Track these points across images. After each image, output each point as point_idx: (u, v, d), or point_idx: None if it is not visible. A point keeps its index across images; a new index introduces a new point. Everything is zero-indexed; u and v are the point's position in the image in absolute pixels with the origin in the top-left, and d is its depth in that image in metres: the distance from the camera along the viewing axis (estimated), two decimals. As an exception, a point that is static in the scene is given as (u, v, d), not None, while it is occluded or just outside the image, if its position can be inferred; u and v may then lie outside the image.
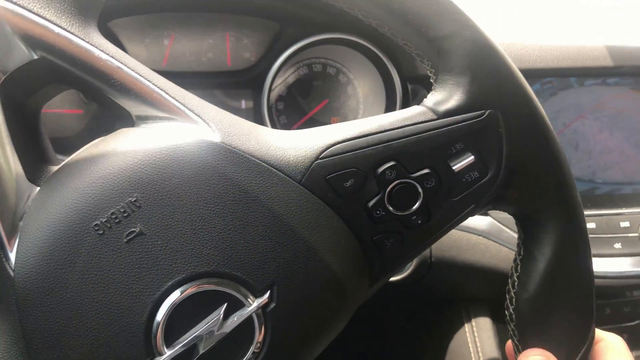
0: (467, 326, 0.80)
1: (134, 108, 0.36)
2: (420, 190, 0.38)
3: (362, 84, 0.84)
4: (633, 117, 0.80)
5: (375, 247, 0.38)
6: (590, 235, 0.74)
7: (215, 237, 0.34)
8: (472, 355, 0.78)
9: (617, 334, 0.82)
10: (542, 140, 0.39)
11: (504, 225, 0.73)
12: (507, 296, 0.42)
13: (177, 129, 0.36)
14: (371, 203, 0.37)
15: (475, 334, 0.78)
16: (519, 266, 0.42)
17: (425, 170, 0.38)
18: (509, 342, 0.46)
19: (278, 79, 0.81)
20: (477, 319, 0.79)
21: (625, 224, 0.75)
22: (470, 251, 0.72)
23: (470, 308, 0.79)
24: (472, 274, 0.73)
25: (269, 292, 0.35)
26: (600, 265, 0.74)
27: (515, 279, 0.41)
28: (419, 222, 0.38)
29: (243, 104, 0.81)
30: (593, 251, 0.74)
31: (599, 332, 0.43)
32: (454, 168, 0.38)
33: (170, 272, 0.33)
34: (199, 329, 0.34)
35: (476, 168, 0.38)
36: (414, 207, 0.38)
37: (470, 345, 0.78)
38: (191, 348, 0.34)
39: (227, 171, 0.35)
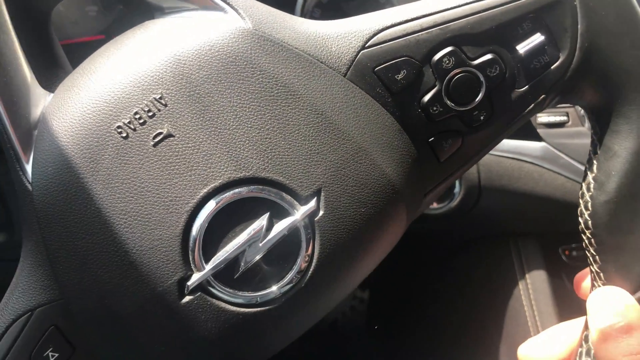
0: (516, 262, 0.75)
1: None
2: (482, 79, 0.33)
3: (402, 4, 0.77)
4: None
5: (432, 149, 0.34)
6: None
7: (252, 137, 0.30)
8: (522, 292, 0.73)
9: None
10: (624, 13, 0.33)
11: (559, 150, 0.67)
12: (581, 201, 0.37)
13: (204, 18, 0.32)
14: (427, 98, 0.33)
15: (525, 270, 0.74)
16: (594, 165, 0.36)
17: (488, 56, 0.33)
18: (579, 274, 0.41)
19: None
20: (527, 254, 0.75)
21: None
22: (522, 180, 0.66)
23: (520, 243, 0.75)
24: (523, 204, 0.68)
25: (315, 199, 0.31)
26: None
27: (591, 180, 0.36)
28: (481, 118, 0.34)
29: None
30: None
31: None
32: (520, 52, 0.33)
33: (205, 179, 0.30)
34: (240, 241, 0.30)
35: (547, 50, 0.33)
36: (476, 100, 0.33)
37: (519, 282, 0.73)
38: (232, 263, 0.30)
39: (261, 62, 0.30)
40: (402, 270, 1.00)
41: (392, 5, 0.78)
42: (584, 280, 0.40)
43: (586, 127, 0.70)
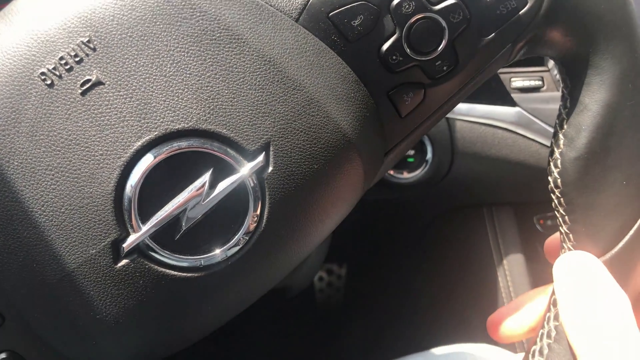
0: (490, 232, 0.74)
1: None
2: (445, 26, 0.31)
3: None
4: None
5: (392, 103, 0.31)
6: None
7: (192, 85, 0.27)
8: (496, 262, 0.72)
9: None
10: None
11: (534, 116, 0.65)
12: (550, 159, 0.35)
13: None
14: (385, 46, 0.30)
15: (500, 240, 0.72)
16: (564, 121, 0.34)
17: (451, 1, 0.30)
18: (550, 239, 0.39)
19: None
20: (501, 223, 0.73)
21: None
22: (496, 146, 0.65)
23: (495, 212, 0.73)
24: (497, 172, 0.66)
25: (263, 153, 0.28)
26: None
27: (561, 136, 0.34)
28: (444, 68, 0.31)
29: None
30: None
31: None
32: None
33: (139, 130, 0.27)
34: (181, 199, 0.27)
35: None
36: (439, 48, 0.31)
37: (493, 252, 0.72)
38: (173, 223, 0.28)
39: (201, 3, 0.27)
40: (378, 240, 0.99)
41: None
42: (554, 244, 0.38)
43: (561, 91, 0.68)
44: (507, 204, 0.74)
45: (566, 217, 0.34)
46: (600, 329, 0.29)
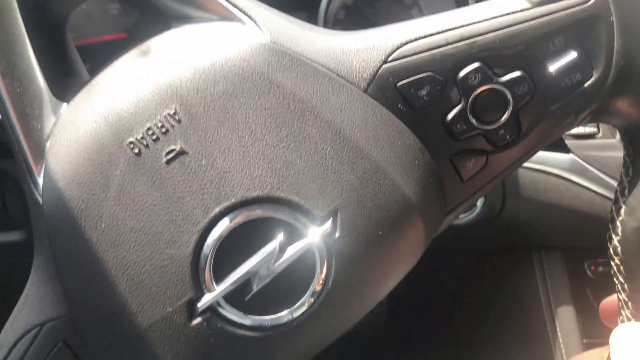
0: (538, 275, 0.73)
1: (171, 7, 0.31)
2: (510, 97, 0.31)
3: (428, 6, 0.76)
4: None
5: (454, 168, 0.32)
6: None
7: (267, 155, 0.29)
8: (544, 307, 0.71)
9: None
10: None
11: (588, 163, 0.65)
12: (611, 226, 0.35)
13: (221, 29, 0.31)
14: (451, 115, 0.31)
15: (549, 284, 0.72)
16: (626, 189, 0.34)
17: (517, 73, 0.31)
18: (607, 300, 0.39)
19: (335, 1, 0.74)
20: (550, 267, 0.72)
21: None
22: (548, 192, 0.64)
23: (543, 255, 0.72)
24: (548, 217, 0.66)
25: (331, 219, 0.30)
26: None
27: (622, 204, 0.34)
28: (507, 137, 0.32)
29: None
30: None
31: None
32: (551, 69, 0.31)
33: (217, 197, 0.29)
34: (253, 262, 0.29)
35: (579, 68, 0.31)
36: (502, 118, 0.32)
37: (541, 296, 0.71)
38: (244, 284, 0.29)
39: (278, 77, 0.29)
40: (425, 276, 0.98)
41: (419, 7, 0.76)
42: (610, 307, 0.38)
43: (617, 139, 0.67)
44: (558, 249, 0.73)
45: (625, 285, 0.34)
46: None
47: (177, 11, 0.31)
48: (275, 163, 0.29)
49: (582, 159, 0.65)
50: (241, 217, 0.29)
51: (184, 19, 0.31)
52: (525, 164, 0.63)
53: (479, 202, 0.65)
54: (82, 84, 0.32)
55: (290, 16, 0.33)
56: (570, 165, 0.64)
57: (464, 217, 0.66)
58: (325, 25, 0.71)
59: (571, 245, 0.73)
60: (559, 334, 0.69)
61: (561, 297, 0.71)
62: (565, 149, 0.65)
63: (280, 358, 0.31)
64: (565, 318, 0.70)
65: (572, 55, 0.31)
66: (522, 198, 0.65)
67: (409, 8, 0.76)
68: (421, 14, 0.76)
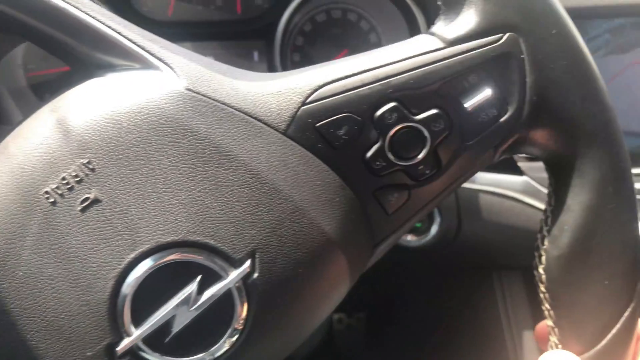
0: (499, 296, 0.73)
1: (92, 56, 0.31)
2: (427, 134, 0.32)
3: (385, 32, 0.77)
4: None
5: (378, 203, 0.33)
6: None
7: (182, 200, 0.30)
8: (504, 327, 0.72)
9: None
10: (575, 65, 0.32)
11: (541, 184, 0.65)
12: (536, 254, 0.36)
13: (139, 77, 0.31)
14: (370, 153, 0.32)
15: (509, 304, 0.72)
16: (549, 218, 0.35)
17: (433, 111, 0.32)
18: (540, 325, 0.40)
19: (292, 27, 0.74)
20: (510, 288, 0.73)
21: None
22: (503, 214, 0.65)
23: (503, 277, 0.73)
24: (505, 238, 0.66)
25: (249, 261, 0.30)
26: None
27: (545, 233, 0.35)
28: (427, 172, 0.33)
29: (255, 55, 0.75)
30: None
31: None
32: (466, 106, 0.32)
33: (132, 243, 0.29)
34: (170, 305, 0.30)
35: (494, 104, 0.32)
36: (421, 155, 0.32)
37: (502, 317, 0.72)
38: (164, 327, 0.30)
39: (192, 123, 0.30)
40: (392, 294, 0.99)
41: (377, 32, 0.77)
42: (544, 331, 0.39)
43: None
44: (518, 269, 0.74)
45: (552, 312, 0.35)
46: None
47: (98, 60, 0.31)
48: (190, 208, 0.29)
49: (535, 180, 0.66)
50: (157, 262, 0.29)
51: (106, 68, 0.32)
52: (480, 187, 0.64)
53: (434, 226, 0.66)
54: (7, 133, 0.32)
55: (216, 61, 0.34)
56: (523, 188, 0.65)
57: (420, 240, 0.66)
58: (283, 51, 0.72)
59: (530, 266, 0.73)
60: (518, 352, 0.70)
61: (521, 317, 0.71)
62: (518, 172, 0.66)
63: None
64: (525, 337, 0.71)
65: (486, 92, 0.32)
66: (478, 220, 0.66)
67: (367, 33, 0.77)
68: (378, 38, 0.77)
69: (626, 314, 0.34)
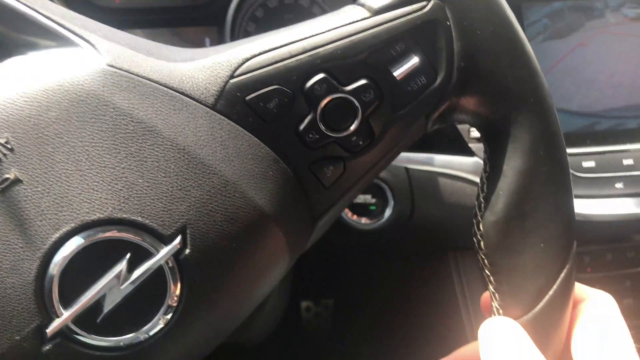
0: (455, 276, 0.74)
1: (10, 36, 0.31)
2: (357, 105, 0.32)
3: (338, 17, 0.76)
4: (640, 43, 0.72)
5: (314, 176, 0.33)
6: (589, 175, 0.69)
7: (106, 178, 0.29)
8: (461, 306, 0.73)
9: (619, 280, 0.77)
10: (501, 31, 0.33)
11: (492, 165, 0.66)
12: (474, 221, 0.36)
13: (55, 55, 0.30)
14: (302, 126, 0.32)
15: (464, 284, 0.73)
16: (485, 185, 0.35)
17: (362, 81, 0.32)
18: (485, 294, 0.41)
19: (243, 13, 0.74)
20: (466, 268, 0.74)
21: (628, 162, 0.68)
22: (455, 195, 0.66)
23: (459, 258, 0.74)
24: (458, 218, 0.67)
25: (180, 237, 0.30)
26: (601, 207, 0.67)
27: (482, 200, 0.35)
28: (360, 143, 0.33)
29: (207, 42, 0.74)
30: (592, 192, 0.69)
31: (584, 289, 0.37)
32: (395, 75, 0.32)
33: (57, 223, 0.29)
34: (100, 285, 0.29)
35: (423, 72, 0.33)
36: (352, 126, 0.32)
37: (459, 296, 0.73)
38: (94, 307, 0.29)
39: (114, 99, 0.29)
40: (354, 278, 1.00)
41: (330, 18, 0.77)
42: (488, 300, 0.40)
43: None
44: (472, 249, 0.75)
45: (491, 278, 0.36)
46: None
47: (17, 39, 0.31)
48: (115, 185, 0.29)
49: (485, 161, 0.67)
50: (83, 241, 0.29)
51: (26, 47, 0.31)
52: (431, 169, 0.65)
53: (388, 209, 0.67)
54: None
55: (142, 39, 0.33)
56: (474, 168, 0.66)
57: (375, 223, 0.67)
58: (234, 37, 0.72)
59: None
60: (475, 330, 0.71)
61: (476, 296, 0.72)
62: (469, 153, 0.67)
63: None
64: (481, 315, 0.71)
65: (414, 60, 0.32)
66: (431, 202, 0.66)
67: (319, 18, 0.77)
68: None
69: (562, 275, 0.34)
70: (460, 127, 0.67)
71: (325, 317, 1.23)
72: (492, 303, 0.36)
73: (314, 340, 1.22)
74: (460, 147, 0.67)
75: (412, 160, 0.66)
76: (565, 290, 0.35)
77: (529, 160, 0.33)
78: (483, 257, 0.36)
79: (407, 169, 0.66)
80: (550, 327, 0.35)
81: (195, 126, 0.30)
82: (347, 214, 0.67)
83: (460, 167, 0.66)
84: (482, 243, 0.36)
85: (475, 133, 0.67)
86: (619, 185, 0.68)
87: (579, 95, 0.72)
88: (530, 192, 0.34)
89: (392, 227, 0.67)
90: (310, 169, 0.33)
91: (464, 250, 0.75)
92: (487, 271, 0.36)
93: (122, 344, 0.30)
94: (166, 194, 0.30)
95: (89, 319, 0.29)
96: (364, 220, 0.67)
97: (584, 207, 0.67)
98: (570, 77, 0.72)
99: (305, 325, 1.22)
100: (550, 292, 0.34)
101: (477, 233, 0.36)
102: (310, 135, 0.32)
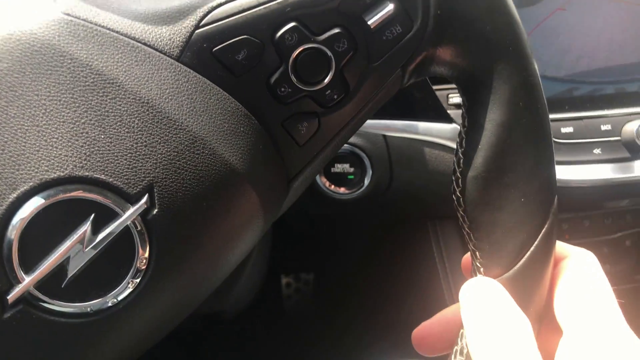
0: (434, 244, 0.74)
1: None
2: (330, 55, 0.31)
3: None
4: (622, 8, 0.72)
5: (288, 134, 0.32)
6: (567, 141, 0.69)
7: (66, 134, 0.27)
8: (441, 276, 0.73)
9: (596, 247, 0.77)
10: None
11: (471, 132, 0.66)
12: (453, 178, 0.35)
13: (5, 3, 0.28)
14: (273, 79, 0.31)
15: (444, 253, 0.73)
16: (463, 140, 0.34)
17: (335, 30, 0.31)
18: (466, 255, 0.40)
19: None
20: (445, 237, 0.74)
21: (606, 127, 0.68)
22: (434, 162, 0.65)
23: (438, 226, 0.74)
24: (437, 186, 0.67)
25: (146, 196, 0.28)
26: (578, 173, 0.67)
27: (461, 155, 0.34)
28: (335, 97, 0.32)
29: None
30: (570, 158, 0.68)
31: (566, 247, 0.36)
32: (369, 23, 0.31)
33: (13, 182, 0.27)
34: (63, 248, 0.27)
35: (398, 21, 0.31)
36: (326, 79, 0.31)
37: (438, 266, 0.73)
38: (59, 271, 0.28)
39: (71, 49, 0.27)
40: (335, 251, 0.99)
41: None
42: (469, 262, 0.39)
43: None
44: (451, 218, 0.74)
45: (471, 235, 0.35)
46: (502, 353, 0.30)
47: None
48: (75, 141, 0.27)
49: (464, 127, 0.66)
50: (43, 201, 0.27)
51: None
52: (410, 136, 0.64)
53: (367, 177, 0.66)
54: None
55: None
56: (453, 135, 0.65)
57: (354, 193, 0.66)
58: None
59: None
60: (455, 298, 0.71)
61: (456, 265, 0.72)
62: (448, 119, 0.66)
63: (110, 343, 0.30)
64: (460, 283, 0.72)
65: (388, 7, 0.31)
66: (410, 169, 0.66)
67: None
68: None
69: (543, 231, 0.33)
70: (438, 93, 0.66)
71: (306, 292, 1.23)
72: (473, 262, 0.36)
73: (295, 316, 1.22)
74: (439, 114, 0.66)
75: (390, 127, 0.65)
76: (547, 246, 0.34)
77: (508, 112, 0.32)
78: (463, 214, 0.35)
79: (385, 137, 0.65)
80: (532, 284, 0.34)
81: (159, 79, 0.29)
82: (325, 184, 0.66)
83: (439, 134, 0.65)
84: (461, 200, 0.35)
85: (454, 99, 0.66)
86: (597, 151, 0.68)
87: (557, 60, 0.71)
88: (509, 146, 0.32)
89: (371, 197, 0.66)
90: (283, 126, 0.32)
91: (443, 219, 0.75)
92: (467, 228, 0.35)
93: (89, 309, 0.28)
94: (130, 151, 0.28)
95: (53, 285, 0.28)
96: (342, 190, 0.66)
97: (562, 173, 0.67)
98: (549, 42, 0.71)
99: (285, 301, 1.22)
100: (532, 248, 0.33)
101: (457, 190, 0.35)
102: (282, 89, 0.31)
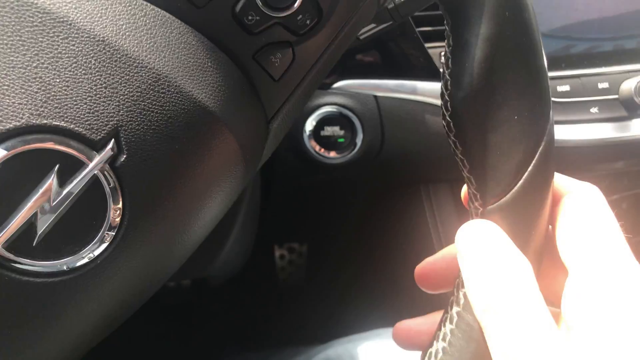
0: (427, 209, 0.73)
1: None
2: None
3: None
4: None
5: (261, 67, 0.30)
6: (563, 100, 0.67)
7: (17, 80, 0.25)
8: (434, 239, 0.71)
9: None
10: None
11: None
12: (441, 102, 0.33)
13: None
14: (239, 6, 0.28)
15: (437, 217, 0.72)
16: (449, 60, 0.31)
17: None
18: (464, 190, 0.38)
19: None
20: (438, 201, 0.72)
21: (603, 85, 0.66)
22: (426, 123, 0.63)
23: (431, 189, 0.72)
24: (430, 148, 0.65)
25: (112, 141, 0.26)
26: (574, 133, 0.65)
27: (448, 77, 0.31)
28: (308, 22, 0.29)
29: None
30: (566, 117, 0.67)
31: (567, 180, 0.34)
32: None
33: None
34: (28, 202, 0.25)
35: None
36: (296, 3, 0.29)
37: (431, 228, 0.71)
38: (28, 230, 0.26)
39: None
40: (328, 218, 0.98)
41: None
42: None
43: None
44: (444, 181, 0.73)
45: (465, 161, 0.32)
46: (502, 299, 0.29)
47: None
48: (28, 87, 0.25)
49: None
50: (1, 154, 0.25)
51: None
52: (399, 95, 0.62)
53: (357, 140, 0.64)
54: None
55: None
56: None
57: (345, 157, 0.64)
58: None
59: (455, 178, 0.73)
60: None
61: (449, 229, 0.71)
62: (438, 78, 0.64)
63: (93, 303, 0.28)
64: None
65: None
66: (401, 131, 0.64)
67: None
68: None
69: (540, 149, 0.31)
70: (431, 51, 0.63)
71: (299, 263, 1.23)
72: (469, 190, 0.34)
73: (289, 287, 1.21)
74: (432, 73, 0.63)
75: (381, 87, 0.62)
76: (545, 166, 0.31)
77: (495, 24, 0.30)
78: (454, 139, 0.32)
79: (376, 97, 0.62)
80: (530, 212, 0.32)
81: (113, 14, 0.26)
82: (315, 148, 0.64)
83: (432, 93, 0.63)
84: (451, 124, 0.32)
85: (446, 57, 0.64)
86: (594, 109, 0.66)
87: (554, 17, 0.69)
88: (497, 61, 0.30)
89: (362, 161, 0.64)
90: (255, 59, 0.29)
91: (436, 182, 0.73)
92: (459, 154, 0.32)
93: (65, 267, 0.27)
94: (90, 94, 0.26)
95: (23, 244, 0.26)
96: (332, 154, 0.64)
97: (558, 132, 0.65)
98: (545, -3, 0.68)
99: (279, 272, 1.21)
100: (530, 168, 0.31)
101: (446, 115, 0.33)
102: (250, 18, 0.29)
